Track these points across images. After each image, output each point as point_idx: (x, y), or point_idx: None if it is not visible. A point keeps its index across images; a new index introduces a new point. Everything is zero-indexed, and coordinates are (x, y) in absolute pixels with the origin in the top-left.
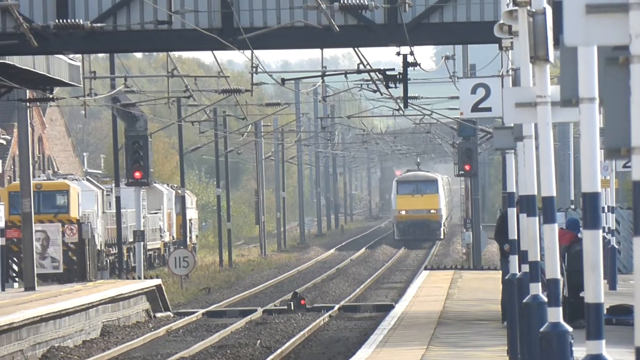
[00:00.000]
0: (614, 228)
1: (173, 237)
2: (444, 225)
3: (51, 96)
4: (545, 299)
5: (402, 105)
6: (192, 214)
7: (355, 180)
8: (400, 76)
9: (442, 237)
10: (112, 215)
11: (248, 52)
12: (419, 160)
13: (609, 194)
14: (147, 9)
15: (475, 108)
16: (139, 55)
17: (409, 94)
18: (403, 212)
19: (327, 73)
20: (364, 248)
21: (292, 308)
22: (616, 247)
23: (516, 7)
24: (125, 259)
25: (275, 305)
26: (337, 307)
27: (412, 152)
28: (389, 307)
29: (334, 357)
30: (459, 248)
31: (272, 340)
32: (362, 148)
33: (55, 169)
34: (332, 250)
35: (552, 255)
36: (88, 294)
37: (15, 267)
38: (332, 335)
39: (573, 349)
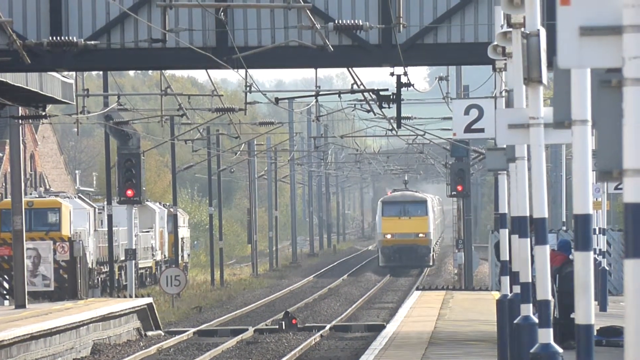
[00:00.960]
0: (605, 250)
1: (165, 255)
2: (433, 251)
3: (44, 113)
4: (536, 320)
5: (395, 126)
6: (184, 232)
7: (348, 199)
8: (394, 96)
9: (431, 263)
10: (103, 234)
11: (242, 71)
12: (406, 179)
13: (601, 215)
14: (142, 27)
15: (468, 129)
16: (132, 73)
17: (402, 114)
18: (389, 236)
19: (320, 93)
20: (345, 276)
21: (284, 327)
22: (607, 268)
23: (510, 29)
24: (116, 277)
25: (266, 325)
26: (328, 326)
27: (404, 172)
28: (381, 327)
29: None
30: (450, 268)
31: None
32: (355, 168)
33: (47, 187)
34: (311, 277)
35: (543, 277)
36: (79, 312)
37: (6, 285)
38: (324, 355)
39: None
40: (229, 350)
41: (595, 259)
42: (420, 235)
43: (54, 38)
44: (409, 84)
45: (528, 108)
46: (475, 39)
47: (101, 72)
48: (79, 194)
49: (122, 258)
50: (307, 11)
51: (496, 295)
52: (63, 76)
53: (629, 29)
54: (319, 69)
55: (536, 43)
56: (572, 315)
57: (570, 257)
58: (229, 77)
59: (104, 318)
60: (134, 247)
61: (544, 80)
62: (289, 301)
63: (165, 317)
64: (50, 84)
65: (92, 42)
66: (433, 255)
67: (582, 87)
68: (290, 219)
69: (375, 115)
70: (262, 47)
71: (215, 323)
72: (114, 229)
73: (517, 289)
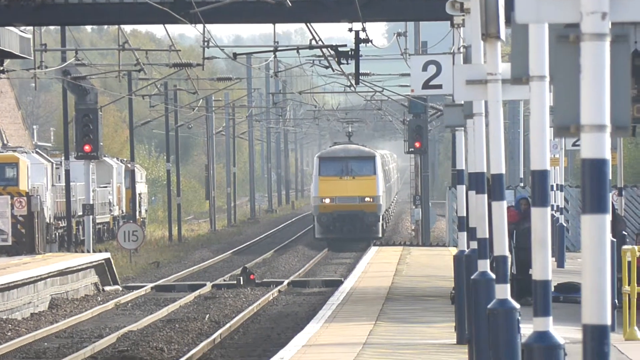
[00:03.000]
0: (563, 206)
1: (122, 211)
2: (383, 219)
3: (1, 68)
4: (493, 276)
5: (353, 82)
6: (141, 188)
7: (307, 156)
8: (352, 52)
9: (379, 234)
10: (61, 189)
11: (200, 27)
12: (350, 130)
13: (558, 172)
14: None
15: (426, 85)
16: (89, 28)
17: (361, 71)
18: (327, 201)
19: (279, 48)
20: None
21: (242, 283)
22: (565, 225)
23: None
24: (74, 232)
25: (224, 280)
26: (286, 282)
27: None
28: (338, 283)
29: (283, 332)
30: (408, 225)
31: (221, 315)
32: (314, 124)
33: (5, 142)
34: (268, 233)
35: (500, 233)
36: (37, 266)
37: None
38: (281, 310)
39: (520, 325)
40: (187, 305)
41: (552, 215)
42: (367, 199)
43: None
44: (367, 40)
45: (486, 64)
46: None
47: (59, 27)
48: (37, 149)
49: (80, 213)
50: None
51: (453, 251)
52: (21, 31)
53: None
54: (277, 25)
55: None
56: (529, 271)
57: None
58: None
59: (62, 273)
60: (91, 203)
61: (502, 36)
62: (247, 257)
63: (123, 273)
64: (7, 38)
65: None
66: (383, 225)
67: (540, 43)
68: (248, 176)
69: (333, 71)
70: (220, 2)
71: (173, 278)
72: (71, 184)
73: (474, 244)
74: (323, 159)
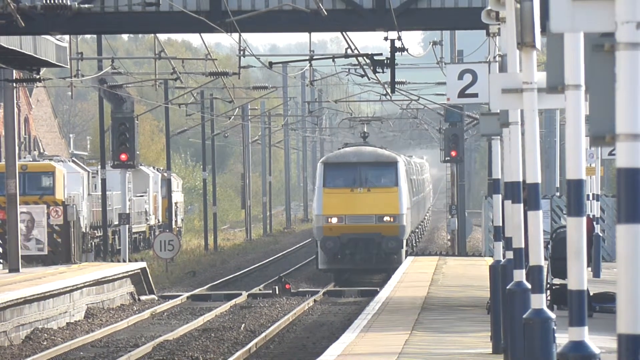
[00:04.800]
0: (599, 216)
1: (159, 220)
2: (407, 244)
3: (38, 77)
4: (529, 286)
5: (389, 91)
6: (177, 197)
7: None
8: (388, 61)
9: (400, 259)
10: (97, 198)
11: (236, 35)
12: (365, 130)
13: (594, 181)
14: None
15: (462, 94)
16: (126, 37)
17: (396, 79)
18: (333, 221)
19: (314, 57)
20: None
21: (277, 292)
22: (601, 235)
23: None
24: (110, 241)
25: (260, 290)
26: (322, 291)
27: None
28: (374, 292)
29: (318, 341)
30: (443, 234)
31: (256, 324)
32: (349, 133)
33: (41, 150)
34: (304, 243)
35: (535, 243)
36: (72, 276)
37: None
38: (317, 319)
39: (556, 335)
40: (223, 314)
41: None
42: (387, 219)
43: (48, 1)
44: (403, 49)
45: (521, 73)
46: (469, 4)
47: (95, 36)
48: (73, 158)
49: (116, 222)
50: None
51: (489, 260)
52: (57, 39)
53: None
54: (313, 34)
55: (530, 7)
56: (564, 281)
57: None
58: (222, 41)
59: (98, 282)
60: (127, 212)
61: (538, 44)
62: (283, 266)
63: (159, 282)
64: (44, 47)
65: (86, 5)
66: (408, 251)
67: (575, 52)
68: (284, 185)
69: (369, 80)
70: (256, 10)
71: (209, 287)
72: (107, 193)
73: (510, 254)
74: (329, 165)
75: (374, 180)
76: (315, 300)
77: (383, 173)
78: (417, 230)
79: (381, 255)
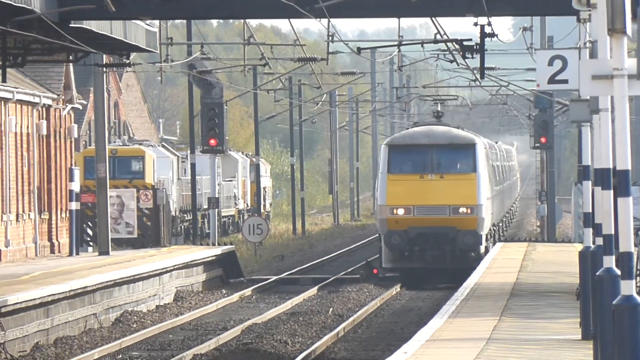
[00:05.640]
0: None
1: (247, 204)
2: (487, 240)
3: (128, 62)
4: (619, 272)
5: (478, 76)
6: (266, 182)
7: None
8: (477, 47)
9: (479, 257)
10: (187, 182)
11: (324, 21)
12: (439, 109)
13: None
14: None
15: (551, 80)
16: (215, 22)
17: (486, 65)
18: (400, 212)
19: (403, 43)
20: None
21: (365, 277)
22: None
23: None
24: (199, 225)
25: (347, 274)
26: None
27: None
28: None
29: (406, 326)
30: (533, 221)
31: (344, 309)
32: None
33: (131, 135)
34: None
35: (625, 229)
36: (162, 259)
37: (90, 232)
38: (405, 304)
39: None
40: (311, 298)
41: None
42: (463, 210)
43: None
44: (492, 34)
45: (612, 59)
46: None
47: (185, 21)
48: (163, 143)
49: (205, 206)
50: None
51: (579, 247)
52: (147, 25)
53: None
54: (402, 19)
55: None
56: None
57: None
58: (311, 27)
59: (187, 265)
60: (216, 196)
61: (628, 31)
62: (370, 251)
63: (248, 265)
64: (134, 32)
65: None
66: (487, 247)
67: None
68: (371, 171)
69: (458, 65)
70: None
71: (297, 271)
72: (197, 177)
73: (599, 240)
74: (394, 147)
75: (447, 166)
76: (402, 286)
77: (459, 157)
78: (500, 223)
79: (456, 252)
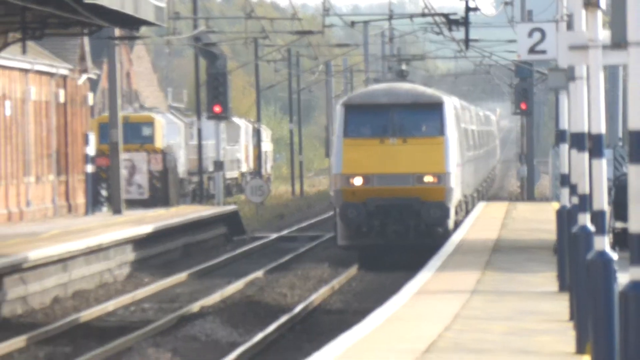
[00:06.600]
0: None
1: (249, 167)
2: (455, 211)
3: (138, 35)
4: (593, 229)
5: (463, 48)
6: (267, 146)
7: None
8: (462, 20)
9: (447, 232)
10: (194, 147)
11: None
12: (404, 67)
13: None
14: None
15: (531, 51)
16: None
17: (470, 37)
18: (357, 182)
19: (393, 17)
20: None
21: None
22: None
23: None
24: (205, 187)
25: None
26: None
27: (472, 91)
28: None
29: (396, 280)
30: (513, 182)
31: (339, 264)
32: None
33: (142, 103)
34: None
35: (599, 189)
36: (171, 217)
37: (104, 193)
38: (394, 259)
39: (617, 275)
40: (308, 254)
41: None
42: (428, 179)
43: None
44: (476, 9)
45: (587, 31)
46: None
47: None
48: (171, 110)
49: (211, 169)
50: None
51: (556, 206)
52: (155, 0)
53: None
54: None
55: None
56: (626, 225)
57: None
58: (308, 2)
59: (194, 224)
60: (221, 160)
61: (602, 5)
62: None
63: (250, 224)
64: (144, 7)
65: None
66: (455, 220)
67: (638, 10)
68: None
69: (444, 38)
70: None
71: (296, 230)
72: (203, 142)
73: (575, 199)
74: (351, 107)
75: (411, 128)
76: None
77: (424, 118)
78: (476, 194)
79: (421, 227)
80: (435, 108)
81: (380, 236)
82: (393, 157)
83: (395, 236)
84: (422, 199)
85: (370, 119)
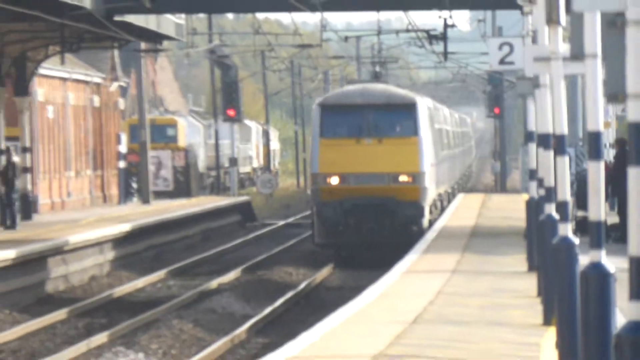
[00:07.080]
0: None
1: (260, 163)
2: (431, 212)
3: (160, 48)
4: (557, 217)
5: (442, 59)
6: (275, 145)
7: None
8: (442, 35)
9: (422, 230)
10: (211, 145)
11: (319, 14)
12: (378, 69)
13: (610, 133)
14: None
15: (501, 62)
16: (230, 15)
17: (448, 50)
18: (333, 181)
19: (382, 32)
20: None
21: None
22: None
23: None
24: (222, 180)
25: None
26: None
27: (450, 97)
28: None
29: (388, 261)
30: (488, 175)
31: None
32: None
33: (166, 107)
34: None
35: (562, 182)
36: (192, 207)
37: (134, 185)
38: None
39: (579, 257)
40: (310, 238)
41: (606, 168)
42: (403, 178)
43: None
44: (453, 25)
45: (550, 44)
46: None
47: (206, 15)
48: (191, 114)
49: (226, 165)
50: None
51: (525, 197)
52: (175, 18)
53: None
54: (380, 13)
55: None
56: (586, 213)
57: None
58: (308, 20)
59: (212, 212)
60: (235, 157)
61: (562, 22)
62: None
63: (261, 212)
64: (165, 24)
65: None
66: (431, 220)
67: (594, 27)
68: None
69: (426, 50)
70: None
71: (300, 217)
72: (219, 141)
73: (542, 191)
74: (327, 108)
75: (386, 128)
76: (335, 265)
77: (398, 118)
78: (449, 192)
79: (395, 225)
80: (408, 108)
81: (356, 234)
82: (369, 157)
83: (370, 234)
84: (397, 198)
85: (346, 119)
